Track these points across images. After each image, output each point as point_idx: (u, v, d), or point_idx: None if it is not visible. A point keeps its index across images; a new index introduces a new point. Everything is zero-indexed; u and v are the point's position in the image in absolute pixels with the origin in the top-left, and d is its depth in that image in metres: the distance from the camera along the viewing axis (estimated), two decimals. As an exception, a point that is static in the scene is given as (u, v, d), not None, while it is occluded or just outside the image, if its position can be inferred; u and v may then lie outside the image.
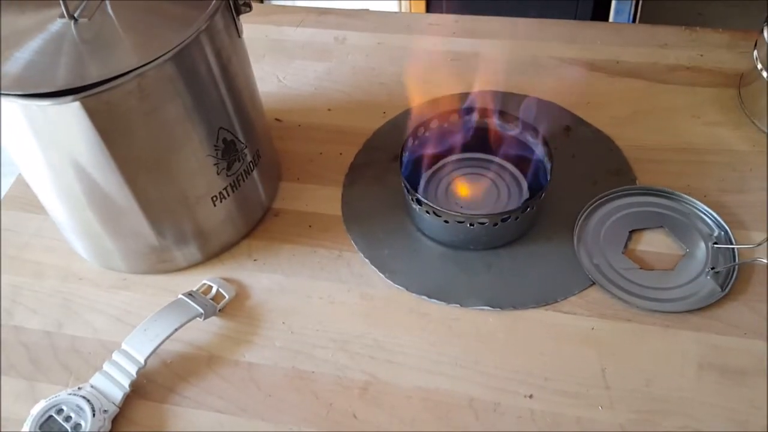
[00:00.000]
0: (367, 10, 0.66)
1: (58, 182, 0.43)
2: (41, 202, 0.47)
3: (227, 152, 0.44)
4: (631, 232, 0.47)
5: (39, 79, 0.37)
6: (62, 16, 0.40)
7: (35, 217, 0.53)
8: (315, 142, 0.56)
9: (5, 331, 0.46)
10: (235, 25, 0.43)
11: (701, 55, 0.59)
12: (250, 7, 0.43)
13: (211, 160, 0.43)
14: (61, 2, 0.39)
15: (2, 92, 0.36)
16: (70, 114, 0.36)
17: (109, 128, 0.38)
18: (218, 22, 0.41)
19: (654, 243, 0.47)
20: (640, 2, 1.30)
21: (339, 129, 0.57)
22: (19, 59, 0.38)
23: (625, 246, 0.47)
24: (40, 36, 0.39)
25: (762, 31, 0.52)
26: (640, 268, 0.45)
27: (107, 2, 0.41)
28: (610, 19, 1.30)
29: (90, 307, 0.47)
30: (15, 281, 0.49)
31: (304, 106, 0.59)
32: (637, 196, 0.49)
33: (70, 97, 0.35)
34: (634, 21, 1.30)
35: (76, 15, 0.40)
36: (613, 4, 1.31)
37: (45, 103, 0.36)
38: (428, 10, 1.31)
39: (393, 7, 1.33)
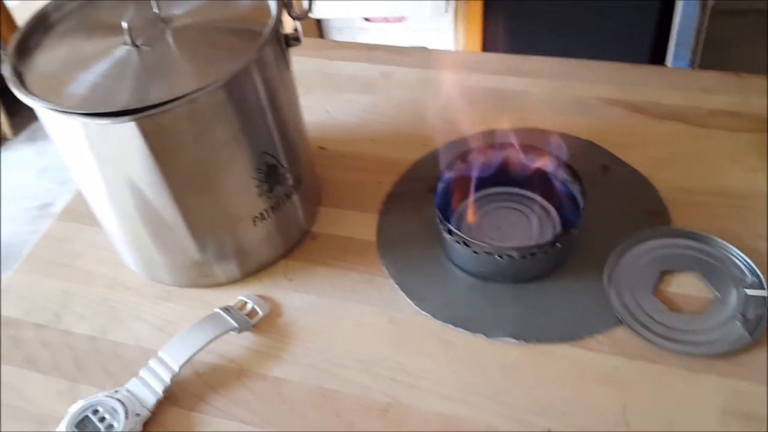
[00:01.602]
0: (418, 47, 0.68)
1: (112, 196, 0.46)
2: (96, 215, 0.50)
3: (269, 176, 0.47)
4: (663, 273, 0.47)
5: (101, 100, 0.40)
6: (126, 43, 0.43)
7: (90, 229, 0.56)
8: (356, 171, 0.58)
9: (53, 334, 0.49)
10: (285, 57, 0.46)
11: (745, 100, 0.59)
12: (299, 41, 0.46)
13: (253, 182, 0.46)
14: (125, 31, 0.42)
15: (67, 111, 0.39)
16: (127, 133, 0.39)
17: (161, 148, 0.41)
18: (268, 54, 0.44)
19: (685, 285, 0.47)
20: (700, 48, 1.30)
21: (380, 159, 0.59)
22: (84, 81, 0.42)
23: (656, 287, 0.47)
24: (105, 60, 0.43)
25: (806, 80, 0.52)
26: (669, 310, 0.45)
27: (168, 32, 0.44)
28: (668, 64, 1.30)
29: (134, 316, 0.50)
30: (67, 287, 0.52)
31: (347, 136, 0.61)
32: (671, 237, 0.49)
33: (127, 117, 0.38)
34: (692, 67, 1.30)
35: (139, 43, 0.43)
36: (671, 48, 1.30)
37: (105, 122, 0.39)
38: (484, 50, 1.33)
39: (449, 46, 1.35)
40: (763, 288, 0.45)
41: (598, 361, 0.43)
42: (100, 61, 0.43)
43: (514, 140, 0.52)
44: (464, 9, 1.31)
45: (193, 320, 0.46)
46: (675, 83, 0.62)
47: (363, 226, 0.54)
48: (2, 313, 0.51)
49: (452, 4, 1.30)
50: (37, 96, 0.40)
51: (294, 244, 0.53)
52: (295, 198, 0.51)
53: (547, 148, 0.51)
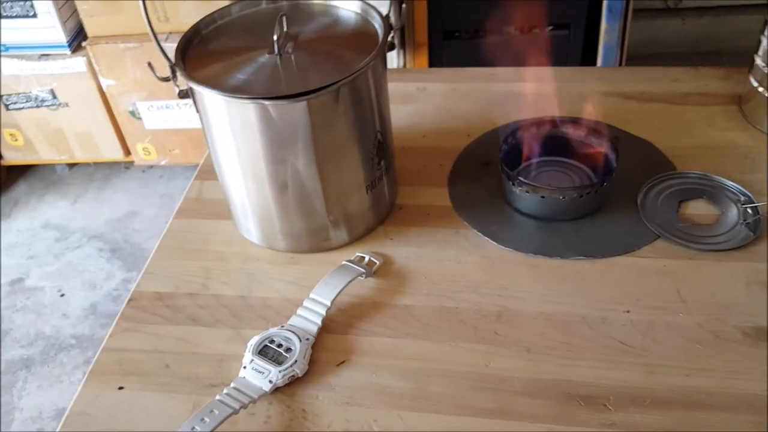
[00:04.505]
0: (440, 68, 0.83)
1: (255, 171, 0.56)
2: (230, 192, 0.60)
3: (380, 150, 0.59)
4: (680, 201, 0.62)
5: (268, 88, 0.52)
6: (270, 52, 0.55)
7: (207, 222, 0.66)
8: (418, 159, 0.71)
9: (206, 299, 0.59)
10: (385, 59, 0.59)
11: (706, 85, 0.77)
12: (394, 46, 0.60)
13: (370, 154, 0.58)
14: (273, 42, 0.55)
15: (248, 97, 0.51)
16: (297, 111, 0.52)
17: (318, 124, 0.53)
18: (380, 54, 0.57)
19: (698, 208, 0.62)
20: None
21: (435, 148, 0.72)
22: (242, 79, 0.53)
23: (677, 211, 0.62)
24: (252, 65, 0.55)
25: (754, 61, 0.70)
26: (692, 224, 0.60)
27: (299, 44, 0.57)
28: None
29: (271, 278, 0.60)
30: (204, 265, 0.62)
31: (403, 134, 0.74)
32: (679, 178, 0.65)
33: (301, 98, 0.51)
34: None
35: (277, 52, 0.56)
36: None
37: (282, 103, 0.51)
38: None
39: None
40: (753, 202, 0.61)
41: (651, 263, 0.58)
42: (248, 65, 0.55)
43: (547, 121, 0.67)
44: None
45: (323, 275, 0.57)
46: (650, 77, 0.79)
47: (437, 196, 0.67)
48: (153, 290, 0.60)
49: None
50: (214, 87, 0.52)
51: (386, 215, 0.65)
52: (386, 177, 0.63)
53: (575, 122, 0.66)
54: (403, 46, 1.48)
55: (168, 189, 1.94)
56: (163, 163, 1.88)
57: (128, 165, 2.00)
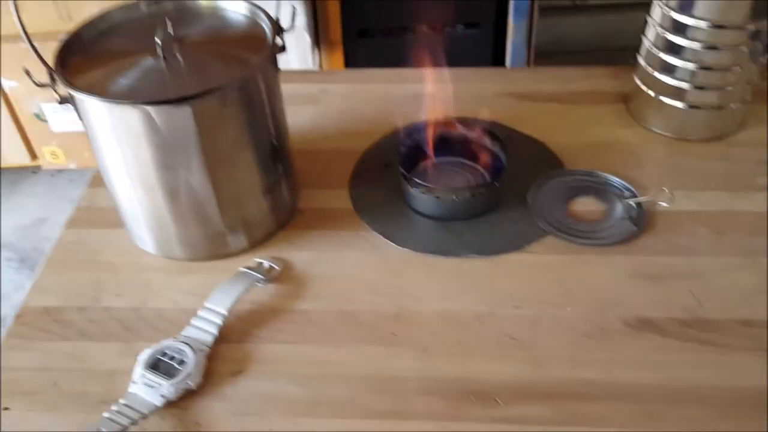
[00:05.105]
0: (343, 69, 0.83)
1: (144, 179, 0.55)
2: (120, 202, 0.59)
3: (273, 154, 0.59)
4: (568, 198, 0.65)
5: (151, 93, 0.51)
6: (155, 55, 0.54)
7: (98, 232, 0.64)
8: (320, 161, 0.71)
9: (97, 312, 0.57)
10: (276, 62, 0.59)
11: (597, 84, 0.80)
12: (285, 48, 0.59)
13: (264, 159, 0.58)
14: (158, 46, 0.54)
15: (130, 102, 0.50)
16: (182, 116, 0.51)
17: (205, 129, 0.52)
18: (270, 58, 0.57)
19: (585, 205, 0.65)
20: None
21: (336, 150, 0.72)
22: (124, 84, 0.52)
23: (566, 208, 0.64)
24: (136, 69, 0.54)
25: (637, 62, 0.73)
26: (579, 221, 0.63)
27: (185, 47, 0.56)
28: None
29: (166, 287, 0.59)
30: (96, 277, 0.60)
31: (305, 137, 0.74)
32: (567, 176, 0.67)
33: (185, 103, 0.50)
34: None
35: (163, 55, 0.54)
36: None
37: (165, 107, 0.50)
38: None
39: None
40: (636, 197, 0.64)
41: (539, 259, 0.60)
42: (132, 70, 0.54)
43: (442, 122, 0.68)
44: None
45: (219, 284, 0.57)
46: (544, 77, 0.82)
47: (339, 198, 0.67)
48: (42, 304, 0.58)
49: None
50: (94, 94, 0.50)
51: (286, 219, 0.65)
52: (285, 180, 0.63)
53: (470, 123, 0.68)
54: (317, 44, 1.48)
55: (78, 193, 1.86)
56: (72, 166, 1.81)
57: (35, 169, 1.91)
